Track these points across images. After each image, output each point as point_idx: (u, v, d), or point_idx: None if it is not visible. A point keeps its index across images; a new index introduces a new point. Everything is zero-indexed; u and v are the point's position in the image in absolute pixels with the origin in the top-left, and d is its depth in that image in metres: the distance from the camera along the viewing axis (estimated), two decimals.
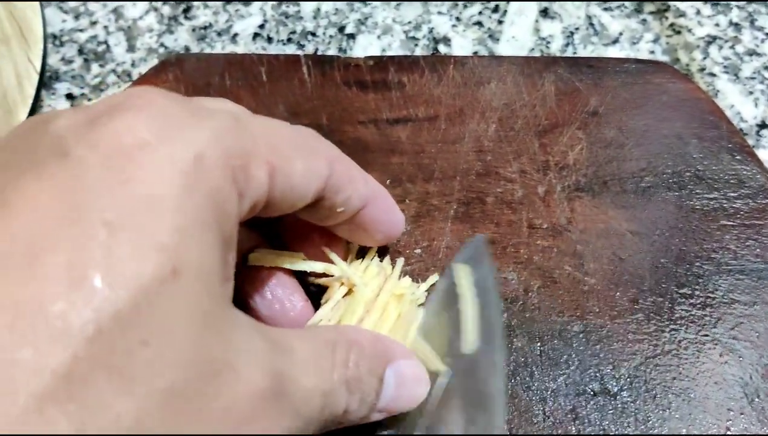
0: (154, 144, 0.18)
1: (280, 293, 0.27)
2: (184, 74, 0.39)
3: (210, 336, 0.17)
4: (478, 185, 0.34)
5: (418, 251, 0.32)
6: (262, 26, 0.45)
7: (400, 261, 0.30)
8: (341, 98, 0.37)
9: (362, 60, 0.39)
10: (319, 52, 0.44)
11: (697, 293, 0.31)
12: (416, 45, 0.44)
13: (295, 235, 0.28)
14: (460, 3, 0.46)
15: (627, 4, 0.46)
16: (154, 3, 0.47)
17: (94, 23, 0.46)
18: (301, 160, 0.22)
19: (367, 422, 0.24)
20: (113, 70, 0.44)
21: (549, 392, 0.29)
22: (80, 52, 0.45)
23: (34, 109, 0.40)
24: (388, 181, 0.34)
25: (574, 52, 0.43)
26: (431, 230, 0.33)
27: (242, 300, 0.27)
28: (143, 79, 0.39)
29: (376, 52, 0.44)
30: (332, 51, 0.44)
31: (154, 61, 0.44)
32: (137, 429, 0.16)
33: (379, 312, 0.27)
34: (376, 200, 0.26)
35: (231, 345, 0.18)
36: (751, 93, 0.42)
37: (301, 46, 0.44)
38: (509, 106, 0.37)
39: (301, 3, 0.46)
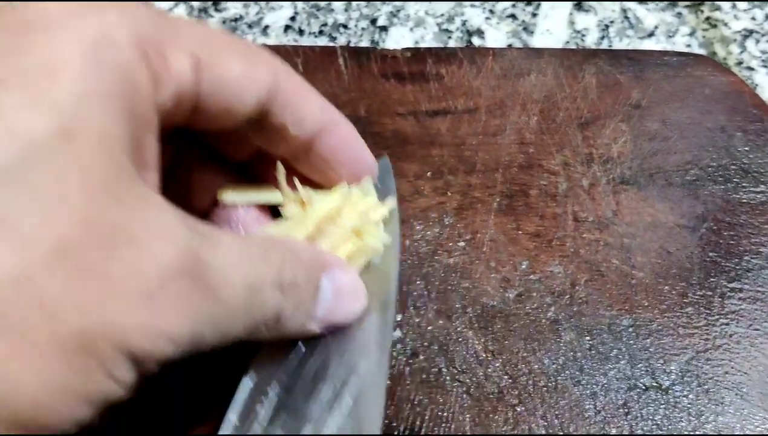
0: (60, 19, 0.18)
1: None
2: None
3: (108, 203, 0.17)
4: (521, 178, 0.34)
5: (461, 243, 0.32)
6: (293, 18, 0.45)
7: (368, 182, 0.27)
8: (379, 90, 0.37)
9: (399, 51, 0.38)
10: (352, 45, 0.43)
11: (746, 287, 0.31)
12: (449, 37, 0.44)
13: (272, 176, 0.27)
14: None
15: None
16: None
17: None
18: (237, 61, 0.21)
19: (307, 333, 0.23)
20: None
21: (599, 387, 0.28)
22: None
23: None
24: (429, 173, 0.34)
25: (610, 46, 0.43)
26: (474, 222, 0.32)
27: None
28: None
29: (409, 45, 0.43)
30: (365, 43, 0.43)
31: None
32: (20, 278, 0.15)
33: (336, 231, 0.26)
34: (337, 130, 0.25)
35: (137, 218, 0.17)
36: None
37: (333, 39, 0.44)
38: (550, 99, 0.36)
39: None
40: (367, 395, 0.23)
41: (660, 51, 0.39)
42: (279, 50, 0.39)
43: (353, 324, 0.25)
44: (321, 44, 0.43)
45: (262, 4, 0.46)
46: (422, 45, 0.43)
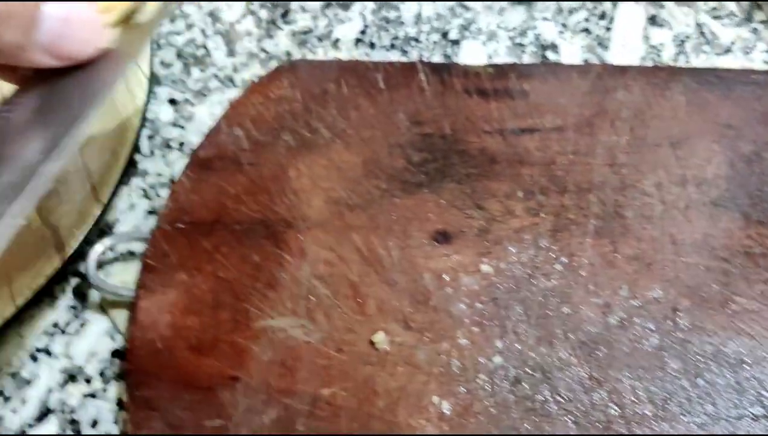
0: None
1: None
2: (299, 81, 0.38)
3: None
4: (615, 199, 0.33)
5: (558, 266, 0.31)
6: (363, 32, 0.45)
7: None
8: (463, 107, 0.36)
9: (481, 67, 0.38)
10: (425, 59, 0.43)
11: None
12: (523, 51, 0.43)
13: None
14: (566, 8, 0.45)
15: (736, 11, 0.44)
16: (250, 6, 0.46)
17: (190, 26, 0.46)
18: None
19: (36, 62, 0.23)
20: (215, 75, 0.43)
21: (708, 416, 0.28)
22: (179, 55, 0.44)
23: (145, 116, 0.39)
24: (520, 194, 0.33)
25: (687, 62, 0.42)
26: (570, 245, 0.32)
27: None
28: (258, 86, 0.38)
29: (483, 59, 0.43)
30: (437, 57, 0.43)
31: (255, 66, 0.43)
32: None
33: None
34: None
35: None
36: None
37: (404, 53, 0.43)
38: (639, 117, 0.35)
39: (401, 7, 0.45)
40: (77, 125, 0.23)
41: (747, 69, 0.38)
42: (358, 65, 0.39)
43: (91, 65, 0.24)
44: (393, 58, 0.43)
45: (331, 16, 0.45)
46: (496, 59, 0.43)
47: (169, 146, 0.40)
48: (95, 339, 0.34)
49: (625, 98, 0.36)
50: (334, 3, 0.46)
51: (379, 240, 0.32)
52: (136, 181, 0.39)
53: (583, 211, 0.33)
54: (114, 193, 0.36)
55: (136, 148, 0.39)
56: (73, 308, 0.35)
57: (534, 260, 0.31)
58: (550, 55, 0.43)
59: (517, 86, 0.37)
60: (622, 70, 0.37)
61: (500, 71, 0.38)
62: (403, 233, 0.33)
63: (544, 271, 0.31)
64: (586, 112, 0.36)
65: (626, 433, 0.28)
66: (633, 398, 0.28)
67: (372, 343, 0.30)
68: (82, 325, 0.35)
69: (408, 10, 0.45)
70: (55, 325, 0.35)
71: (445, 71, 0.38)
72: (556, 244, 0.32)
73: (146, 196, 0.38)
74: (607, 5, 0.45)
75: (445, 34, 0.44)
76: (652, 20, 0.44)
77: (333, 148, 0.35)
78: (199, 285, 0.32)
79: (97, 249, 0.34)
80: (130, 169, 0.39)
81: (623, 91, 0.36)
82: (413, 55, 0.43)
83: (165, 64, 0.44)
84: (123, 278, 0.35)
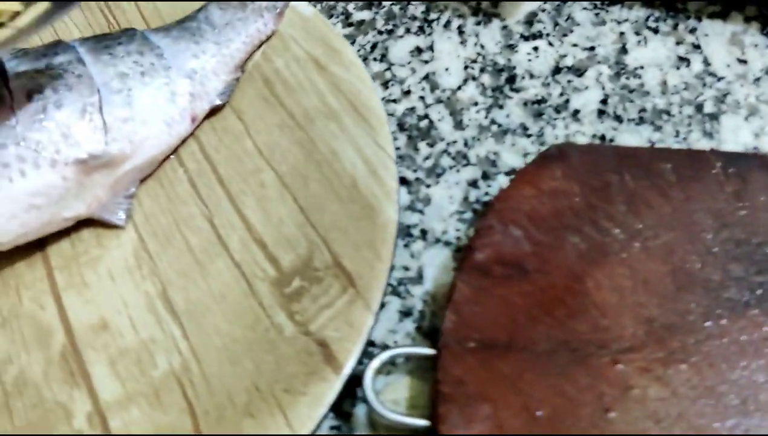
0: None
1: None
2: (573, 170, 0.34)
3: None
4: None
5: None
6: (604, 102, 0.40)
7: None
8: None
9: None
10: (681, 136, 0.38)
11: None
12: None
13: None
14: None
15: None
16: (470, 70, 0.42)
17: (407, 93, 0.42)
18: None
19: None
20: (445, 151, 0.39)
21: None
22: (401, 127, 0.40)
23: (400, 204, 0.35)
24: None
25: None
26: None
27: None
28: (525, 175, 0.34)
29: (749, 138, 0.38)
30: (696, 134, 0.38)
31: (488, 141, 0.39)
32: None
33: None
34: None
35: None
36: None
37: (657, 128, 0.39)
38: None
39: (642, 75, 0.41)
40: None
41: None
42: (638, 153, 0.34)
43: None
44: (645, 134, 0.38)
45: (564, 83, 0.41)
46: (764, 138, 0.38)
47: (410, 235, 0.36)
48: None
49: None
50: (565, 69, 0.42)
51: (715, 373, 0.28)
52: None
53: None
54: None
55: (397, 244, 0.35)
56: (336, 427, 0.31)
57: None
58: None
59: None
60: None
61: None
62: (740, 364, 0.28)
63: None
64: None
65: None
66: None
67: None
68: None
69: (652, 78, 0.41)
70: None
71: (742, 161, 0.33)
72: None
73: (396, 293, 0.35)
74: None
75: (699, 108, 0.40)
76: None
77: (632, 254, 0.31)
78: (510, 422, 0.28)
79: (374, 366, 0.30)
80: None
81: None
82: (668, 131, 0.39)
83: None
84: (392, 395, 0.31)
